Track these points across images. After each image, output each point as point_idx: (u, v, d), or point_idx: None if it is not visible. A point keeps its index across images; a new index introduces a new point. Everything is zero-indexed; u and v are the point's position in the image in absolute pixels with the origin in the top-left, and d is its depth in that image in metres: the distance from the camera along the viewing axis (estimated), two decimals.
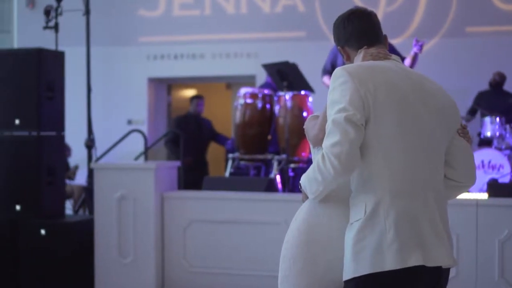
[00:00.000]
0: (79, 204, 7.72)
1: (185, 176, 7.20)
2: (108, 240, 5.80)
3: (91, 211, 6.21)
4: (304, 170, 2.51)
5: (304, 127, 2.76)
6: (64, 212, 6.18)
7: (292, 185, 6.73)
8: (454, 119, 2.58)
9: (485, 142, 7.60)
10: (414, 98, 2.47)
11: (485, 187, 5.95)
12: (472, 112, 8.23)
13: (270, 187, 6.02)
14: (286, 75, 6.87)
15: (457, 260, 2.61)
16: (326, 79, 6.93)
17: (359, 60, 2.61)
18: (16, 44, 10.56)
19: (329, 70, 6.87)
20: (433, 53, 9.32)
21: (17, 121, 5.86)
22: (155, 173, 5.74)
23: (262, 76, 8.59)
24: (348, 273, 2.43)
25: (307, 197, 2.62)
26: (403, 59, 6.48)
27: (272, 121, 7.11)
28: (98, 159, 6.79)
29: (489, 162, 7.04)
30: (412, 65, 6.71)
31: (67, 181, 8.17)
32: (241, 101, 7.10)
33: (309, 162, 6.32)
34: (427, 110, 2.49)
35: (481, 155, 7.06)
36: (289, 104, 6.84)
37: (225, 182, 6.33)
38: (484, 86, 8.50)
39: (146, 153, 7.33)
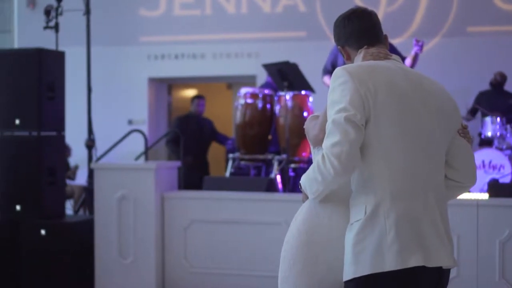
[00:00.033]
0: (79, 204, 7.72)
1: (186, 176, 7.20)
2: (109, 240, 5.80)
3: (91, 211, 6.20)
4: (304, 170, 2.51)
5: (304, 127, 2.75)
6: (64, 212, 6.17)
7: (292, 185, 6.72)
8: (454, 119, 2.58)
9: (486, 142, 7.59)
10: (414, 98, 2.47)
11: (485, 187, 5.95)
12: (472, 112, 8.22)
13: (271, 187, 6.02)
14: (286, 75, 6.87)
15: (457, 261, 2.60)
16: (326, 79, 6.92)
17: (360, 60, 2.61)
18: (16, 44, 10.56)
19: (329, 70, 6.87)
20: (433, 53, 9.31)
21: (17, 121, 5.86)
22: (156, 173, 5.73)
23: (262, 76, 8.59)
24: (348, 274, 2.42)
25: (307, 197, 2.62)
26: (403, 59, 6.48)
27: (272, 121, 7.11)
28: (98, 159, 6.79)
29: (489, 162, 7.04)
30: (413, 65, 6.71)
31: (68, 181, 8.17)
32: (242, 101, 7.09)
33: (309, 162, 6.32)
34: (427, 110, 2.48)
35: (482, 155, 7.06)
36: (289, 104, 6.84)
37: (225, 182, 6.33)
38: (485, 86, 8.49)
39: (147, 153, 7.32)
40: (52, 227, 5.78)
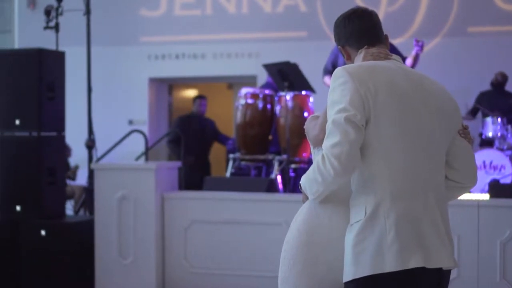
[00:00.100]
0: (79, 204, 7.71)
1: (187, 176, 7.19)
2: (109, 241, 5.80)
3: (91, 212, 6.20)
4: (305, 171, 2.50)
5: (305, 127, 2.74)
6: (64, 213, 6.17)
7: (293, 185, 6.72)
8: (455, 119, 2.57)
9: (487, 143, 7.59)
10: (414, 98, 2.46)
11: (486, 187, 5.94)
12: (473, 112, 8.21)
13: (271, 187, 6.01)
14: (287, 75, 6.86)
15: (458, 261, 2.59)
16: (327, 79, 6.92)
17: (360, 60, 2.60)
18: (16, 44, 10.55)
19: (330, 70, 6.86)
20: (434, 53, 9.30)
21: (17, 122, 5.86)
22: (156, 173, 5.73)
23: (263, 76, 8.58)
24: (348, 275, 2.41)
25: (307, 198, 2.61)
26: (404, 59, 6.47)
27: (273, 121, 7.10)
28: (98, 159, 6.79)
29: (490, 163, 7.04)
30: (414, 65, 6.71)
31: (68, 182, 8.17)
32: (242, 101, 7.09)
33: (310, 162, 6.31)
34: (428, 110, 2.47)
35: (483, 156, 7.05)
36: (290, 104, 6.83)
37: (226, 183, 6.32)
38: (486, 86, 8.48)
39: (147, 154, 7.32)
40: (52, 227, 5.78)
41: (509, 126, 7.34)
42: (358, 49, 2.64)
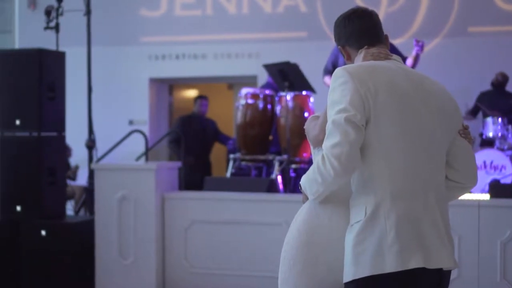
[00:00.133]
0: (80, 204, 7.71)
1: (188, 176, 7.19)
2: (109, 241, 5.79)
3: (92, 212, 6.20)
4: (305, 171, 2.49)
5: (305, 127, 2.74)
6: (65, 213, 6.17)
7: (293, 185, 6.71)
8: (455, 119, 2.57)
9: (487, 143, 7.59)
10: (414, 98, 2.46)
11: (487, 188, 5.94)
12: (473, 112, 8.21)
13: (271, 187, 6.01)
14: (287, 75, 6.86)
15: (458, 262, 2.59)
16: (327, 79, 6.91)
17: (360, 60, 2.60)
18: (17, 45, 10.55)
19: (330, 70, 6.86)
20: (434, 53, 9.30)
21: (17, 122, 5.85)
22: (156, 173, 5.73)
23: (263, 77, 8.58)
24: (349, 275, 2.41)
25: (307, 198, 2.61)
26: (404, 59, 6.47)
27: (273, 121, 7.10)
28: (99, 159, 6.78)
29: (491, 163, 7.03)
30: (414, 65, 6.71)
31: (69, 182, 8.17)
32: (243, 101, 7.09)
33: (310, 162, 6.30)
34: (428, 110, 2.47)
35: (483, 156, 7.05)
36: (290, 104, 6.83)
37: (226, 183, 6.32)
38: (486, 86, 8.48)
39: (147, 154, 7.32)
40: (53, 228, 5.78)
41: (509, 126, 7.34)
42: (358, 49, 2.63)
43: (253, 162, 7.13)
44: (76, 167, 8.99)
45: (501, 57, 9.16)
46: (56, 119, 6.03)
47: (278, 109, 7.00)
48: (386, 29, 2.74)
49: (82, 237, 5.89)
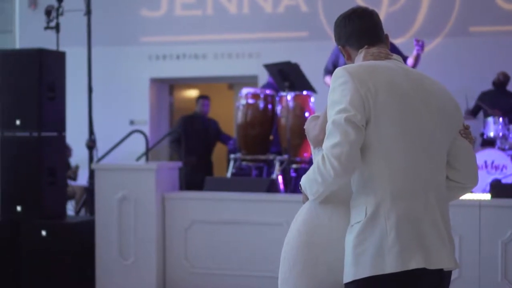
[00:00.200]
0: (80, 205, 7.71)
1: (190, 176, 7.19)
2: (109, 241, 5.79)
3: (92, 212, 6.19)
4: (306, 171, 2.49)
5: (305, 127, 2.74)
6: (65, 213, 6.16)
7: (294, 185, 6.71)
8: (455, 119, 2.56)
9: (488, 143, 7.57)
10: (415, 97, 2.45)
11: (488, 187, 5.93)
12: (474, 112, 8.20)
13: (272, 187, 6.00)
14: (287, 75, 6.86)
15: (459, 262, 2.58)
16: (328, 79, 6.90)
17: (360, 59, 2.59)
18: (18, 45, 10.55)
19: (331, 70, 6.85)
20: (435, 53, 9.29)
21: (18, 122, 5.85)
22: (156, 173, 5.72)
23: (264, 76, 8.57)
24: (349, 276, 2.40)
25: (307, 198, 2.60)
26: (405, 58, 6.46)
27: (274, 121, 7.09)
28: (99, 159, 6.78)
29: (492, 163, 7.02)
30: (415, 65, 6.70)
31: (69, 182, 8.17)
32: (243, 101, 7.08)
33: (311, 162, 6.28)
34: (428, 110, 2.46)
35: (484, 156, 7.04)
36: (291, 104, 6.82)
37: (226, 183, 6.31)
38: (487, 86, 8.47)
39: (147, 154, 7.31)
40: (53, 228, 5.77)
41: (510, 126, 7.33)
42: (359, 49, 2.63)
43: (254, 162, 7.13)
44: (77, 167, 8.99)
45: (502, 57, 9.15)
46: (56, 119, 6.03)
47: (278, 109, 6.99)
48: (387, 29, 2.74)
49: (83, 237, 5.89)
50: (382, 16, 2.84)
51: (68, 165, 8.51)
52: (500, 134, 7.31)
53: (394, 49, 6.15)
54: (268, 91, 7.14)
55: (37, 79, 5.85)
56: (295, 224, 2.65)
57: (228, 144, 8.93)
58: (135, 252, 5.75)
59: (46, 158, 5.88)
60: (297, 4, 10.02)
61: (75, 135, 8.27)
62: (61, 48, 6.44)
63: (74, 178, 8.90)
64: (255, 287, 5.57)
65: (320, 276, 2.54)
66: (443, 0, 9.60)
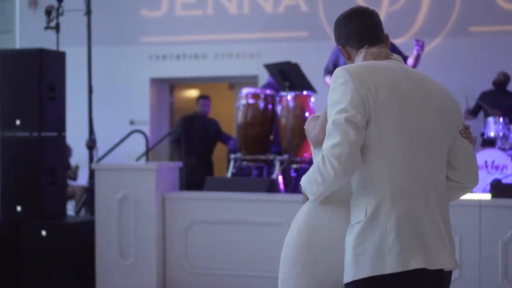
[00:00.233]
0: (80, 205, 7.71)
1: (190, 176, 7.18)
2: (109, 241, 5.79)
3: (92, 212, 6.19)
4: (306, 171, 2.48)
5: (305, 127, 2.73)
6: (65, 213, 6.16)
7: (294, 185, 6.70)
8: (456, 119, 2.55)
9: (489, 143, 7.57)
10: (415, 97, 2.45)
11: (488, 187, 5.92)
12: (474, 112, 8.20)
13: (272, 187, 6.00)
14: (288, 75, 6.85)
15: (460, 262, 2.58)
16: (328, 79, 6.90)
17: (360, 59, 2.58)
18: (18, 44, 10.55)
19: (331, 70, 6.85)
20: (436, 53, 9.29)
21: (18, 122, 5.85)
22: (156, 173, 5.72)
23: (264, 76, 8.57)
24: (349, 276, 2.40)
25: (307, 198, 2.60)
26: (405, 58, 6.46)
27: (274, 121, 7.08)
28: (99, 159, 6.78)
29: (492, 163, 7.01)
30: (415, 65, 6.70)
31: (69, 182, 8.16)
32: (243, 101, 7.08)
33: (311, 162, 6.28)
34: (428, 110, 2.46)
35: (485, 156, 7.03)
36: (291, 104, 6.82)
37: (227, 183, 6.31)
38: (487, 86, 8.46)
39: (148, 154, 7.31)
40: (53, 228, 5.77)
41: (511, 126, 7.32)
42: (359, 49, 2.62)
43: (254, 162, 7.12)
44: (77, 167, 8.99)
45: (502, 57, 9.15)
46: (57, 119, 6.02)
47: (279, 109, 6.99)
48: (387, 29, 2.73)
49: (83, 237, 5.88)
50: (382, 16, 2.84)
51: (68, 165, 8.51)
52: (501, 134, 7.31)
53: (394, 49, 6.15)
54: (268, 91, 7.14)
55: (37, 79, 5.85)
56: (295, 224, 2.65)
57: (228, 144, 8.93)
58: (135, 252, 5.75)
59: (46, 158, 5.87)
60: (297, 4, 10.02)
61: (75, 135, 8.27)
62: (61, 48, 6.44)
63: (74, 178, 8.90)
64: (255, 287, 5.57)
65: (320, 276, 2.54)
66: (443, 0, 9.60)
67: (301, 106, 6.87)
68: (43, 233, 5.75)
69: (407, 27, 9.51)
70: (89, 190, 6.57)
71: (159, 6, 10.43)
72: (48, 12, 6.66)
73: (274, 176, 6.77)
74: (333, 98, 2.42)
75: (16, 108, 5.88)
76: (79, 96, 8.06)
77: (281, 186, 6.54)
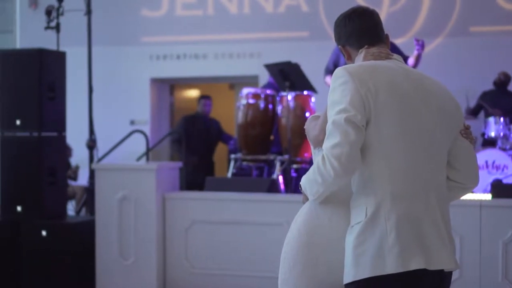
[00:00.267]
0: (81, 205, 7.71)
1: (191, 176, 7.18)
2: (109, 241, 5.78)
3: (92, 212, 6.19)
4: (306, 171, 2.48)
5: (305, 127, 2.73)
6: (65, 213, 6.16)
7: (294, 185, 6.70)
8: (456, 119, 2.55)
9: (489, 143, 7.57)
10: (415, 97, 2.44)
11: (489, 187, 5.92)
12: (475, 112, 8.20)
13: (273, 187, 5.99)
14: (288, 75, 6.85)
15: (460, 262, 2.58)
16: (328, 79, 6.89)
17: (360, 59, 2.58)
18: (18, 44, 10.55)
19: (331, 70, 6.84)
20: (436, 53, 9.28)
21: (18, 122, 5.85)
22: (157, 173, 5.71)
23: (265, 76, 8.57)
24: (349, 277, 2.39)
25: (307, 198, 2.59)
26: (405, 58, 6.45)
27: (274, 121, 7.08)
28: (99, 159, 6.78)
29: (493, 163, 7.01)
30: (416, 64, 6.69)
31: (70, 182, 8.16)
32: (244, 101, 7.07)
33: (311, 162, 6.27)
34: (429, 110, 2.45)
35: (485, 156, 7.02)
36: (291, 104, 6.82)
37: (227, 183, 6.31)
38: (488, 86, 8.46)
39: (148, 154, 7.30)
40: (53, 228, 5.77)
41: (511, 126, 7.32)
42: (359, 49, 2.62)
43: (254, 162, 7.12)
44: (77, 167, 8.99)
45: (502, 57, 9.14)
46: (57, 119, 6.02)
47: (279, 109, 6.99)
48: (388, 29, 2.73)
49: (83, 237, 5.88)
50: (383, 16, 2.83)
51: (68, 165, 8.50)
52: (501, 134, 7.31)
53: (395, 49, 6.14)
54: (268, 91, 7.14)
55: (37, 79, 5.84)
56: (295, 224, 2.64)
57: (228, 144, 8.92)
58: (135, 252, 5.74)
59: (46, 158, 5.87)
60: (298, 4, 10.01)
61: (75, 135, 8.26)
62: (62, 48, 6.44)
63: (75, 178, 8.89)
64: (255, 287, 5.57)
65: (320, 276, 2.53)
66: (443, 0, 9.59)
67: (302, 106, 6.87)
68: (43, 233, 5.75)
69: (408, 27, 9.51)
70: (89, 190, 6.57)
71: (159, 6, 10.43)
72: (48, 12, 6.66)
73: (274, 176, 6.76)
74: (333, 98, 2.42)
75: (16, 108, 5.88)
76: (79, 96, 8.05)
77: (282, 186, 6.54)
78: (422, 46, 6.67)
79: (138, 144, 7.79)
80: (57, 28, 6.68)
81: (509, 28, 9.37)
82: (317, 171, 2.39)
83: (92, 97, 7.05)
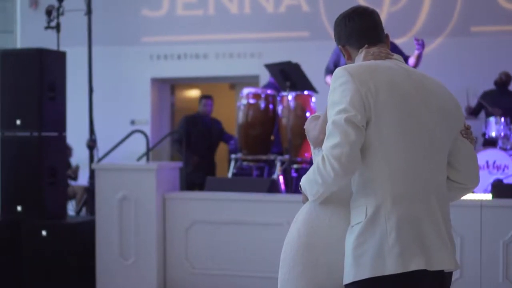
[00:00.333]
0: (81, 205, 7.70)
1: (193, 176, 7.17)
2: (110, 241, 5.78)
3: (92, 212, 6.19)
4: (307, 171, 2.47)
5: (305, 127, 2.72)
6: (66, 213, 6.16)
7: (295, 186, 6.69)
8: (456, 119, 2.54)
9: (490, 143, 7.56)
10: (415, 97, 2.44)
11: (489, 187, 5.91)
12: (476, 112, 8.19)
13: (273, 187, 5.99)
14: (289, 75, 6.85)
15: (460, 262, 2.57)
16: (329, 79, 6.89)
17: (360, 59, 2.57)
18: (19, 44, 10.54)
19: (332, 70, 6.84)
20: (437, 53, 9.28)
21: (18, 122, 5.84)
22: (157, 173, 5.71)
23: (265, 76, 8.56)
24: (349, 277, 2.39)
25: (307, 199, 2.58)
26: (406, 58, 6.44)
27: (275, 121, 7.08)
28: (100, 159, 6.77)
29: (493, 163, 7.00)
30: (417, 64, 6.68)
31: (70, 182, 8.16)
32: (244, 101, 7.07)
33: (312, 162, 6.27)
34: (429, 110, 2.45)
35: (486, 156, 7.02)
36: (292, 104, 6.81)
37: (227, 183, 6.30)
38: (488, 86, 8.46)
39: (148, 154, 7.30)
40: (53, 228, 5.77)
41: None
42: (359, 49, 2.61)
43: (255, 162, 7.12)
44: (77, 167, 8.98)
45: (503, 57, 9.14)
46: (57, 119, 6.02)
47: (279, 109, 6.99)
48: (388, 28, 2.72)
49: (83, 237, 5.88)
50: (383, 16, 2.82)
51: (68, 165, 8.50)
52: (502, 134, 7.30)
53: (395, 49, 6.13)
54: (269, 91, 7.14)
55: (38, 79, 5.84)
56: (295, 224, 2.63)
57: (229, 144, 8.92)
58: (135, 252, 5.74)
59: (46, 158, 5.87)
60: (298, 4, 10.01)
61: (75, 135, 8.25)
62: (62, 48, 6.44)
63: (75, 178, 8.89)
64: (255, 287, 5.56)
65: (320, 277, 2.52)
66: (444, 0, 9.58)
67: (302, 106, 6.86)
68: (44, 233, 5.75)
69: (408, 27, 9.50)
70: (90, 190, 6.57)
71: (160, 6, 10.43)
72: (48, 12, 6.65)
73: (275, 176, 6.76)
74: (333, 98, 2.41)
75: (16, 108, 5.87)
76: (80, 96, 8.04)
77: (282, 186, 6.54)
78: (422, 45, 6.66)
79: (138, 144, 7.79)
80: (58, 28, 6.68)
81: (510, 28, 9.36)
82: (317, 171, 2.38)
83: (92, 97, 7.05)
